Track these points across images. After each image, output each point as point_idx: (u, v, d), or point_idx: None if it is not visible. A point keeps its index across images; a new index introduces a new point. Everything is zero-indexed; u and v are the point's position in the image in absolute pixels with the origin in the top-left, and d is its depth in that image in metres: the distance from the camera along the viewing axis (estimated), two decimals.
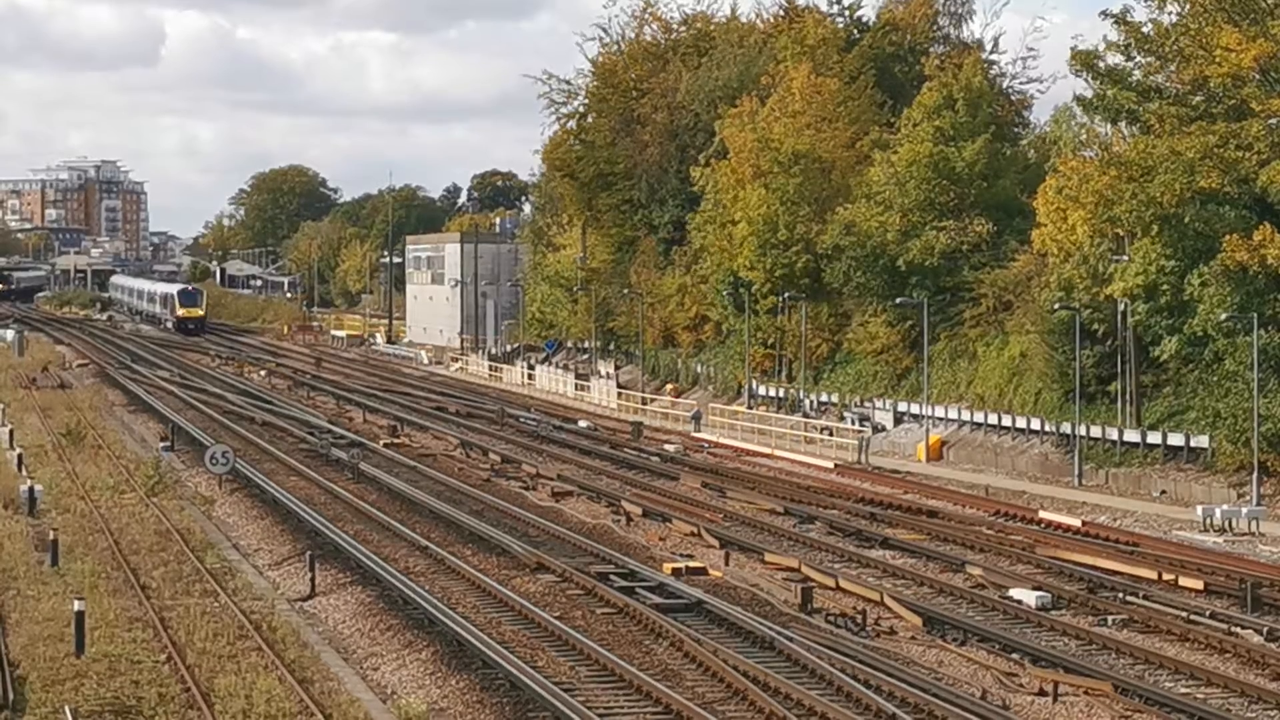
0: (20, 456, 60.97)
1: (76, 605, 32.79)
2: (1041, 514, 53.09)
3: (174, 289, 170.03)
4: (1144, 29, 62.42)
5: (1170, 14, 62.13)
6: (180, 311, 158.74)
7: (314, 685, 30.34)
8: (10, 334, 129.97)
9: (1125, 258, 60.87)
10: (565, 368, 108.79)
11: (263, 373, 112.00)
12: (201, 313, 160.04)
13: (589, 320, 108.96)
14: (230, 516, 52.32)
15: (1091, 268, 62.67)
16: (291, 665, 31.63)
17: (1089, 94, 64.97)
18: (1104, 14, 62.72)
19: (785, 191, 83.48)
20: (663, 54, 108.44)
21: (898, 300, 74.40)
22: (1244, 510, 51.39)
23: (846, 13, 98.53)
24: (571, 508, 54.22)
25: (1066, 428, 63.84)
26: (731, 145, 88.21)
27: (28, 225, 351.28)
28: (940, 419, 71.93)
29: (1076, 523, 51.07)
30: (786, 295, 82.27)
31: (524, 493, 57.61)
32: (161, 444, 68.89)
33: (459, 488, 57.33)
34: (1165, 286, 59.71)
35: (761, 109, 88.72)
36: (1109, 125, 65.92)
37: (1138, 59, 63.21)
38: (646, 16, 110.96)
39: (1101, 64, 63.33)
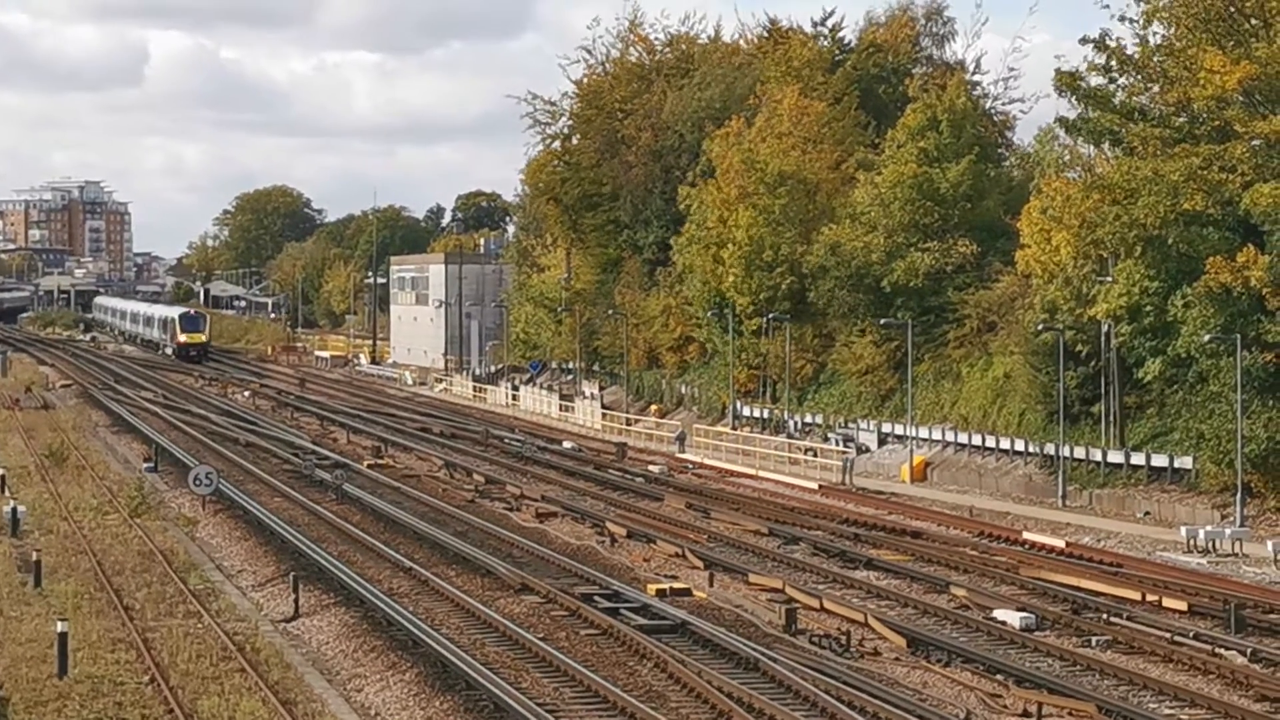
0: (3, 477, 60.80)
1: (59, 626, 32.72)
2: (1025, 535, 53.07)
3: (174, 312, 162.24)
4: (1127, 50, 62.53)
5: (1155, 34, 62.31)
6: (182, 337, 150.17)
7: (297, 707, 30.29)
8: None
9: (1109, 279, 60.96)
10: (550, 388, 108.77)
11: (247, 394, 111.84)
12: (205, 338, 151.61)
13: (573, 341, 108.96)
14: (214, 538, 52.18)
15: (1075, 289, 62.79)
16: (275, 687, 31.55)
17: (1072, 115, 65.05)
18: (1084, 39, 62.88)
19: (771, 212, 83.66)
20: (647, 75, 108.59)
21: (882, 321, 74.48)
22: (1228, 531, 51.43)
23: (829, 34, 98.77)
24: (556, 529, 54.14)
25: (1050, 449, 63.92)
26: (718, 166, 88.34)
27: (11, 246, 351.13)
28: (924, 440, 72.00)
29: (1060, 544, 51.08)
30: (771, 316, 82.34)
31: (508, 514, 57.52)
32: (145, 465, 68.78)
33: (443, 509, 57.24)
34: (1149, 308, 59.80)
35: (748, 130, 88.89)
36: (1092, 147, 66.00)
37: (1121, 80, 63.31)
38: (631, 38, 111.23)
39: (1085, 84, 63.39)
